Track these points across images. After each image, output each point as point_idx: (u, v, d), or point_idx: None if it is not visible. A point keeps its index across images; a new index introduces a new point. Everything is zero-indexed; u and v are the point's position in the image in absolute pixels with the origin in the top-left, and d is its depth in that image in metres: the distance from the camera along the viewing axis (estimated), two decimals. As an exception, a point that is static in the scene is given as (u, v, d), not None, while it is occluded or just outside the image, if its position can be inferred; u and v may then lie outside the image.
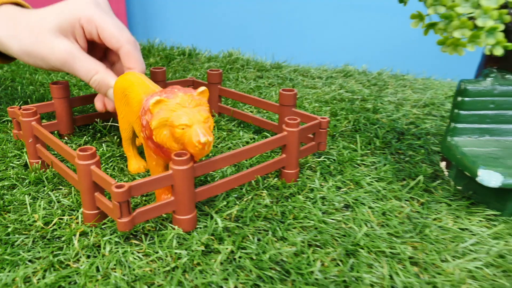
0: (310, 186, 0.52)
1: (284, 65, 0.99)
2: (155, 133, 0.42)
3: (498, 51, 0.36)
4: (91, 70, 0.55)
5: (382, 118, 0.74)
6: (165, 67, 0.92)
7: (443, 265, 0.41)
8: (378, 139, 0.65)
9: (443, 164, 0.57)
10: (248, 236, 0.43)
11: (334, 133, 0.67)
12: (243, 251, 0.41)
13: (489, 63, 0.52)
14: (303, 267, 0.39)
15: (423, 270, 0.40)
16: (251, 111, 0.75)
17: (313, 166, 0.57)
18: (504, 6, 0.40)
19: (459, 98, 0.51)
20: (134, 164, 0.55)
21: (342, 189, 0.52)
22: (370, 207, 0.49)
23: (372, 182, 0.54)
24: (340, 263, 0.40)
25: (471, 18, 0.40)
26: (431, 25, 0.39)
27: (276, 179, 0.54)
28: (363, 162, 0.59)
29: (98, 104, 0.60)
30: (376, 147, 0.63)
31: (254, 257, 0.40)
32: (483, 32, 0.35)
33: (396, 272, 0.40)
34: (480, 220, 0.48)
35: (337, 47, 1.38)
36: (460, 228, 0.47)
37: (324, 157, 0.59)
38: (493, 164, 0.47)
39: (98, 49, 0.61)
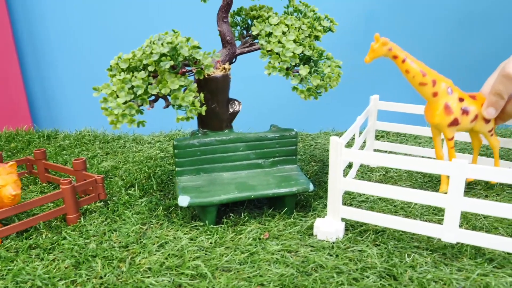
0: (82, 224, 0.75)
1: (124, 136, 1.24)
2: None
3: (135, 125, 0.63)
4: None
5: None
6: (22, 148, 1.15)
7: (138, 260, 0.64)
8: (155, 184, 0.89)
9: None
10: (17, 260, 0.65)
11: (132, 183, 0.91)
12: (8, 269, 0.63)
13: (199, 125, 0.79)
14: (44, 271, 0.61)
15: (127, 264, 0.63)
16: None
17: (95, 210, 0.80)
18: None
19: (175, 151, 0.77)
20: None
21: (105, 222, 0.76)
22: (119, 231, 0.72)
23: (132, 215, 0.78)
24: (72, 266, 0.63)
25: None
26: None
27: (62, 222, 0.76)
28: (136, 203, 0.83)
29: None
30: (154, 190, 0.88)
31: (13, 272, 0.62)
32: (118, 116, 0.61)
33: (106, 267, 0.62)
34: (189, 229, 0.73)
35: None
36: (174, 237, 0.71)
37: (106, 202, 0.83)
38: (191, 192, 0.72)
39: None
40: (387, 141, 1.12)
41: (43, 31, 1.98)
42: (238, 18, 0.85)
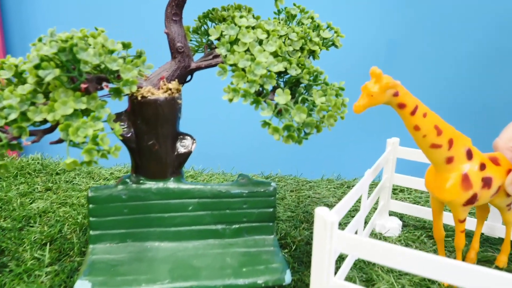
0: None
1: (79, 169, 1.00)
2: None
3: None
4: None
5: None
6: None
7: None
8: (80, 243, 0.64)
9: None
10: None
11: (52, 239, 0.66)
12: None
13: (132, 169, 0.55)
14: None
15: None
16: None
17: (-24, 281, 0.56)
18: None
19: (90, 206, 0.52)
20: None
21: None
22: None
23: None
24: None
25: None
26: None
27: None
28: (40, 272, 0.58)
29: None
30: (74, 252, 0.63)
31: None
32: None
33: None
34: (93, 333, 0.47)
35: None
36: None
37: (-2, 270, 0.58)
38: (101, 272, 0.47)
39: None
40: (408, 197, 0.85)
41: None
42: (210, 24, 0.61)
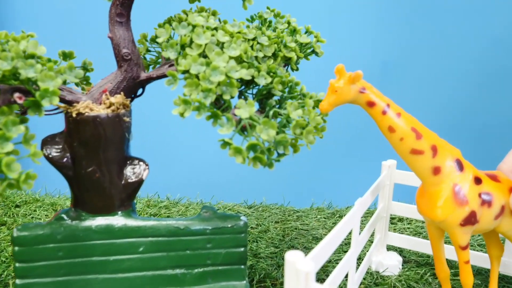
0: None
1: (41, 199, 0.91)
2: None
3: None
4: None
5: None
6: None
7: None
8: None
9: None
10: None
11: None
12: None
13: (71, 202, 0.45)
14: None
15: None
16: None
17: None
18: None
19: (16, 248, 0.42)
20: None
21: None
22: None
23: None
24: None
25: None
26: None
27: None
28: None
29: None
30: None
31: None
32: None
33: None
34: None
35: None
36: None
37: None
38: (19, 336, 0.37)
39: None
40: (408, 228, 0.76)
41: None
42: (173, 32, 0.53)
